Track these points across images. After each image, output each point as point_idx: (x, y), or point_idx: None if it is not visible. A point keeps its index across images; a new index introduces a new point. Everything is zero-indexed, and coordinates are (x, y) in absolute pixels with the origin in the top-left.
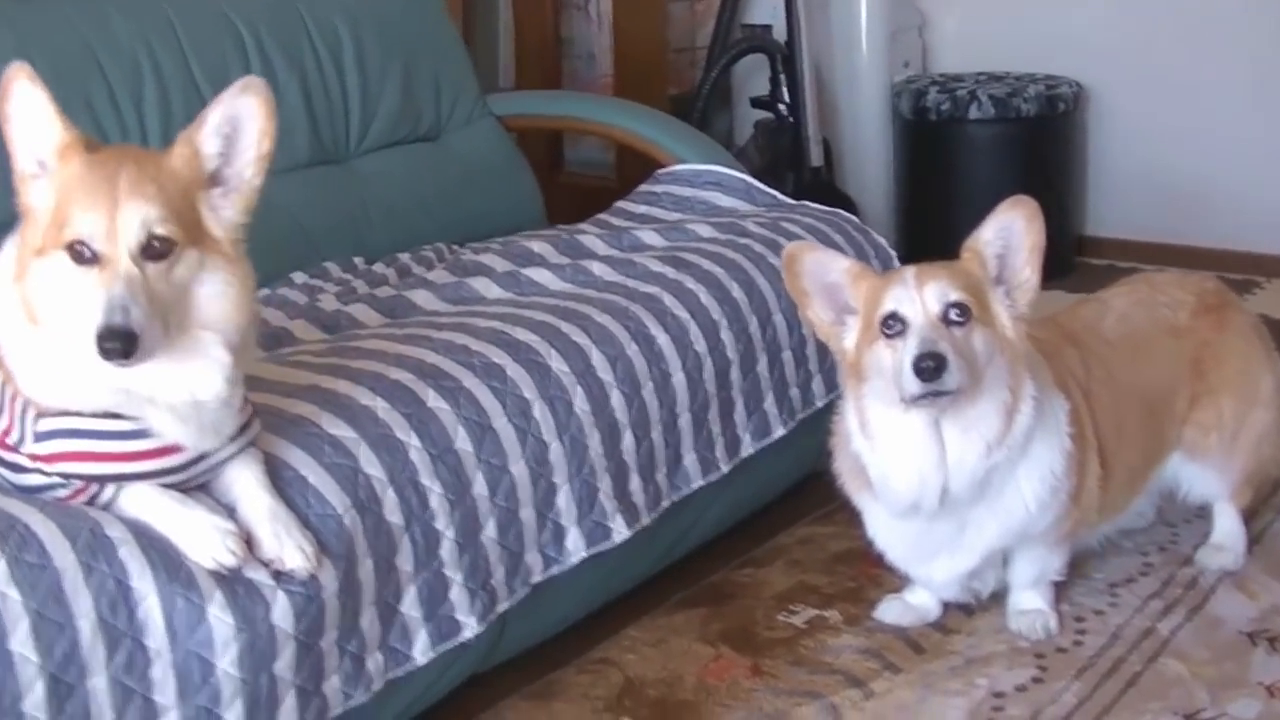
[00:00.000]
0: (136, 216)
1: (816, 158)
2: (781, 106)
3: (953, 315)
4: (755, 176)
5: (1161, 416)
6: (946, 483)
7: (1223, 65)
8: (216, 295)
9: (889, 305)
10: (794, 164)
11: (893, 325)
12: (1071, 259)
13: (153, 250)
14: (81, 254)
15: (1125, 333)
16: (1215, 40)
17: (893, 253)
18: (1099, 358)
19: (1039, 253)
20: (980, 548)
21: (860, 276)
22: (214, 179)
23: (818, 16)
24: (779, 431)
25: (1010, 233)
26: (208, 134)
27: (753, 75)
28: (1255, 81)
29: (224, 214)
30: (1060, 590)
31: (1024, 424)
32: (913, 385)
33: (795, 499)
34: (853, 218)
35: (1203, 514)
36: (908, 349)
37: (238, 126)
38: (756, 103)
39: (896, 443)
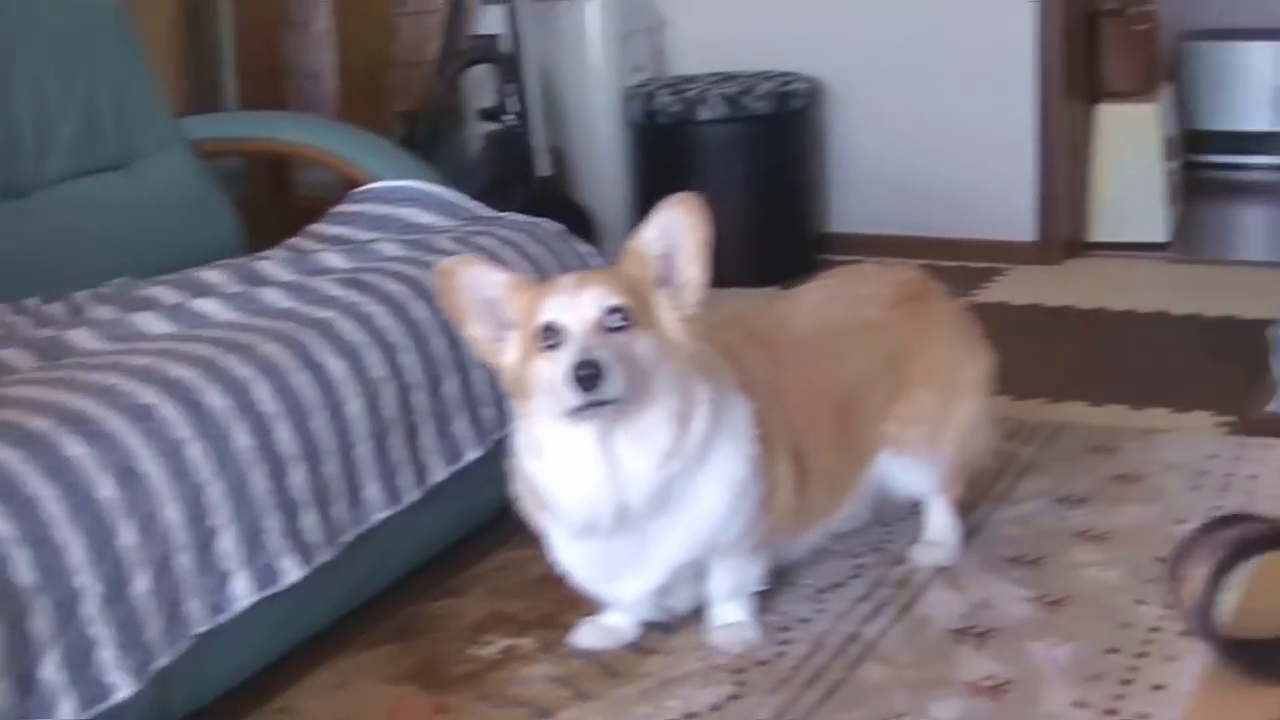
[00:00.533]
0: None
1: (546, 167)
2: (509, 117)
3: (612, 321)
4: (485, 189)
5: (860, 414)
6: (622, 497)
7: (957, 56)
8: None
9: (545, 315)
10: (524, 175)
11: (550, 336)
12: (814, 256)
13: None
14: None
15: (818, 329)
16: (948, 32)
17: (595, 262)
18: (789, 356)
19: (704, 251)
20: (666, 563)
21: (518, 289)
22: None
23: (546, 23)
24: (472, 454)
25: (673, 231)
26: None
27: (485, 87)
28: (990, 71)
29: None
30: (765, 599)
31: (700, 430)
32: (572, 396)
33: (500, 522)
34: (556, 226)
35: (916, 511)
36: (565, 359)
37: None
38: (485, 114)
39: (566, 459)
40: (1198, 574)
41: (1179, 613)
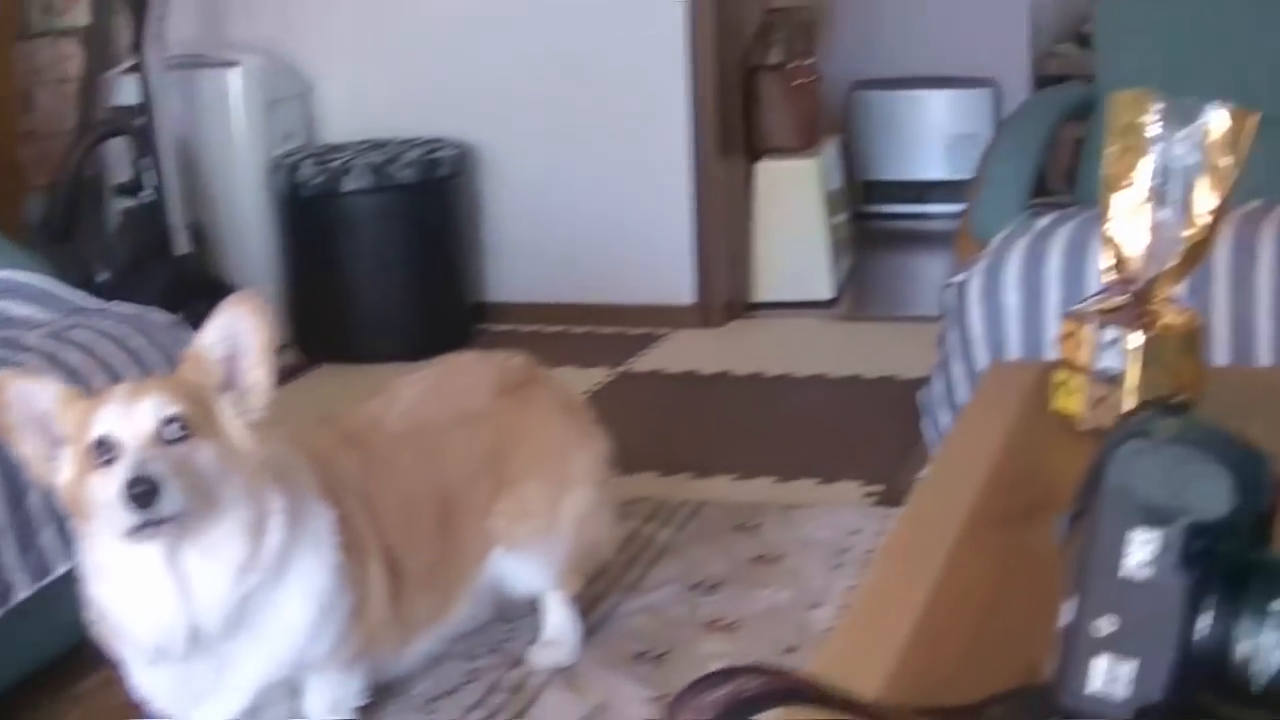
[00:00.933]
0: None
1: (184, 245)
2: (146, 192)
3: (170, 432)
4: (124, 268)
5: (464, 512)
6: (195, 619)
7: (610, 119)
8: None
9: (98, 429)
10: (163, 252)
11: (104, 451)
12: (470, 327)
13: None
14: None
15: (414, 425)
16: (600, 94)
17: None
18: (382, 457)
19: (270, 352)
20: (249, 686)
21: (71, 402)
22: None
23: (188, 92)
24: (61, 568)
25: (236, 333)
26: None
27: (123, 161)
28: (644, 132)
29: None
30: (368, 713)
31: (275, 541)
32: (128, 516)
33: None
34: (166, 316)
35: (537, 608)
36: (118, 475)
37: None
38: (121, 189)
39: (132, 581)
40: None
41: None
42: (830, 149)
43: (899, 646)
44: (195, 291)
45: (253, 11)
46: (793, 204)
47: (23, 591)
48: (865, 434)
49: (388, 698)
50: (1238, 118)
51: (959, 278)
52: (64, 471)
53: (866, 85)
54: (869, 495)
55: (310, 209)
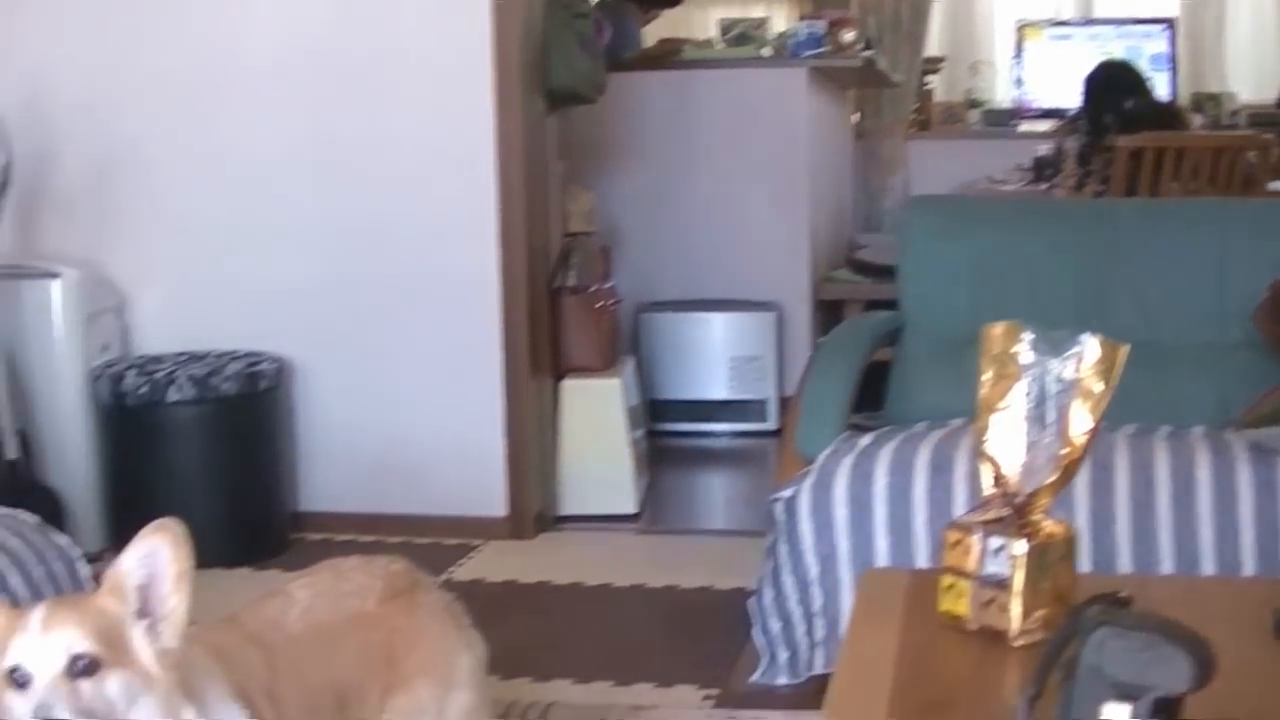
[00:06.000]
0: None
1: (12, 450)
2: None
3: (79, 667)
4: None
5: (359, 710)
6: None
7: (419, 335)
8: None
9: (12, 657)
10: None
11: (18, 678)
12: (286, 536)
13: None
14: None
15: (312, 626)
16: (413, 312)
17: (75, 553)
18: (286, 657)
19: (187, 579)
20: None
21: None
22: None
23: (9, 302)
24: None
25: (154, 560)
26: None
27: None
28: (456, 350)
29: None
30: None
31: None
32: None
33: None
34: (32, 518)
35: None
36: (23, 715)
37: None
38: None
39: None
40: None
41: None
42: (629, 368)
43: None
44: (22, 494)
45: (68, 225)
46: (597, 420)
47: None
48: (692, 640)
49: None
50: (1108, 348)
51: (786, 493)
52: None
53: (653, 307)
54: (707, 698)
55: (133, 418)
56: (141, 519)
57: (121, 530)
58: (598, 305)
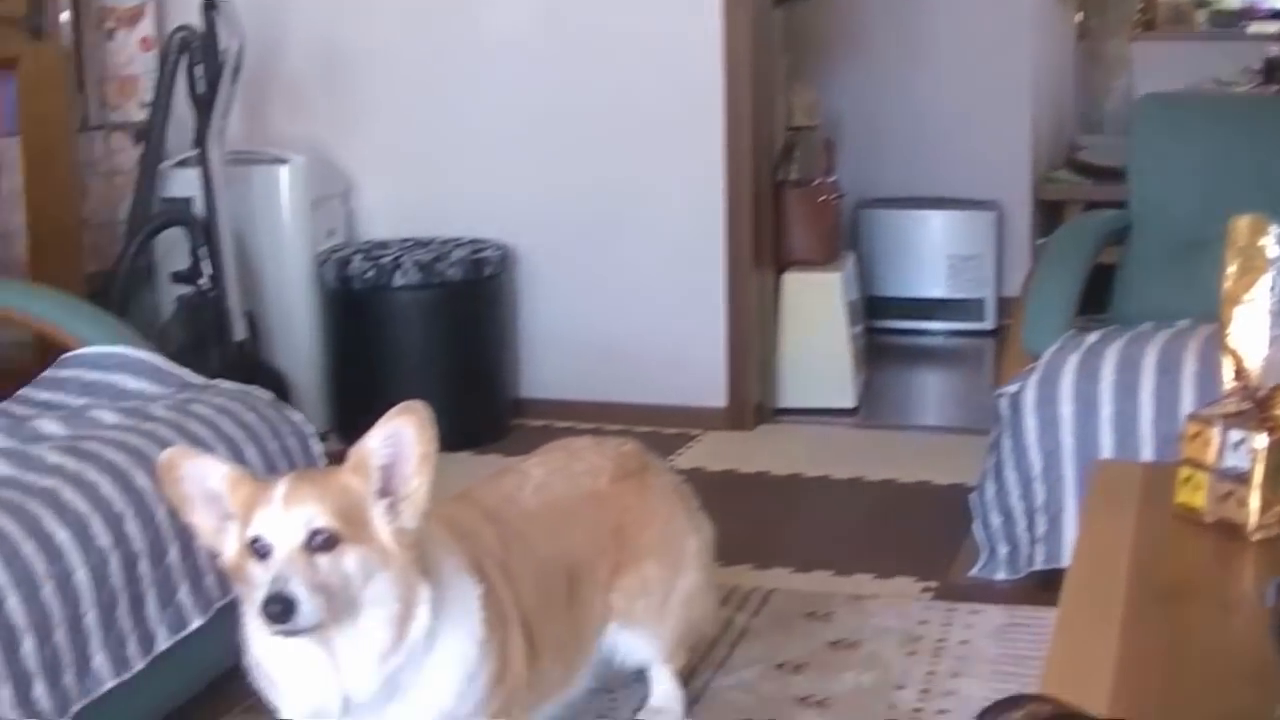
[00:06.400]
0: None
1: (240, 331)
2: (203, 280)
3: (318, 541)
4: (180, 353)
5: (588, 587)
6: (345, 691)
7: (645, 224)
8: None
9: (254, 528)
10: (218, 339)
11: (259, 547)
12: (507, 422)
13: None
14: None
15: (545, 503)
16: (639, 201)
17: (309, 429)
18: (518, 532)
19: (430, 462)
20: None
21: (238, 484)
22: None
23: (239, 187)
24: (196, 622)
25: (399, 441)
26: None
27: (176, 250)
28: (680, 240)
29: None
30: None
31: (421, 628)
32: (265, 623)
33: (223, 689)
34: (267, 394)
35: (641, 678)
36: (263, 584)
37: None
38: (177, 277)
39: (288, 654)
40: None
41: None
42: (850, 263)
43: (1105, 700)
44: (249, 376)
45: (296, 111)
46: (817, 314)
47: (162, 643)
48: (910, 533)
49: None
50: None
51: (1011, 388)
52: (229, 546)
53: (873, 204)
54: (926, 590)
55: (358, 302)
56: (364, 402)
57: (344, 413)
58: (820, 199)
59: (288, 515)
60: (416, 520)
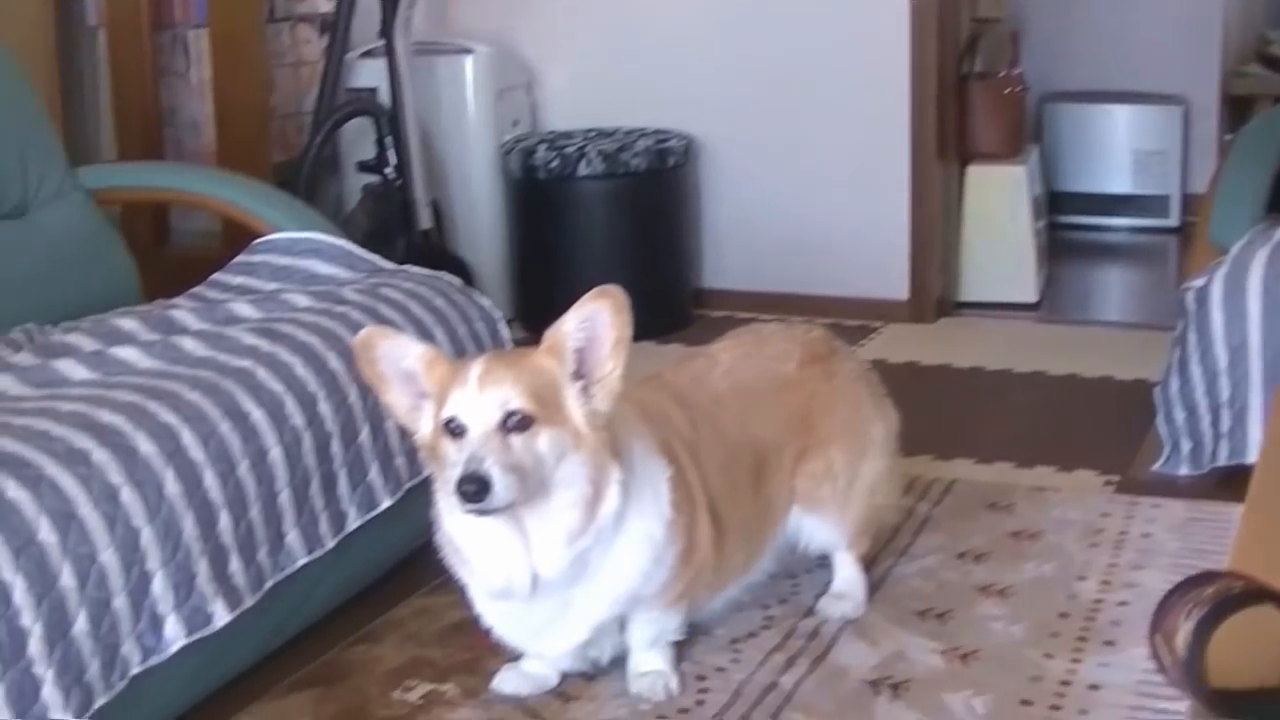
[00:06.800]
0: None
1: (426, 220)
2: (388, 170)
3: (513, 422)
4: (364, 241)
5: (774, 471)
6: (535, 570)
7: (829, 116)
8: None
9: (450, 408)
10: (403, 227)
11: (454, 427)
12: (689, 312)
13: None
14: None
15: (733, 387)
16: (823, 91)
17: (497, 314)
18: (707, 415)
19: (624, 346)
20: (587, 622)
21: (434, 364)
22: None
23: (424, 78)
24: (386, 503)
25: (595, 325)
26: None
27: (360, 139)
28: (864, 131)
29: None
30: (681, 649)
31: (610, 509)
32: (460, 502)
33: (409, 569)
34: (455, 280)
35: (823, 563)
36: (459, 463)
37: None
38: (363, 166)
39: (479, 533)
40: (1183, 629)
41: (1164, 668)
42: (1034, 157)
43: None
44: (434, 264)
45: (481, 2)
46: (1000, 208)
47: (353, 522)
48: (1092, 427)
49: (695, 637)
50: None
51: (1198, 282)
52: (424, 425)
53: (1057, 97)
54: (1108, 484)
55: (542, 192)
56: (546, 292)
57: (526, 302)
58: (1005, 92)
59: (483, 396)
60: (609, 403)
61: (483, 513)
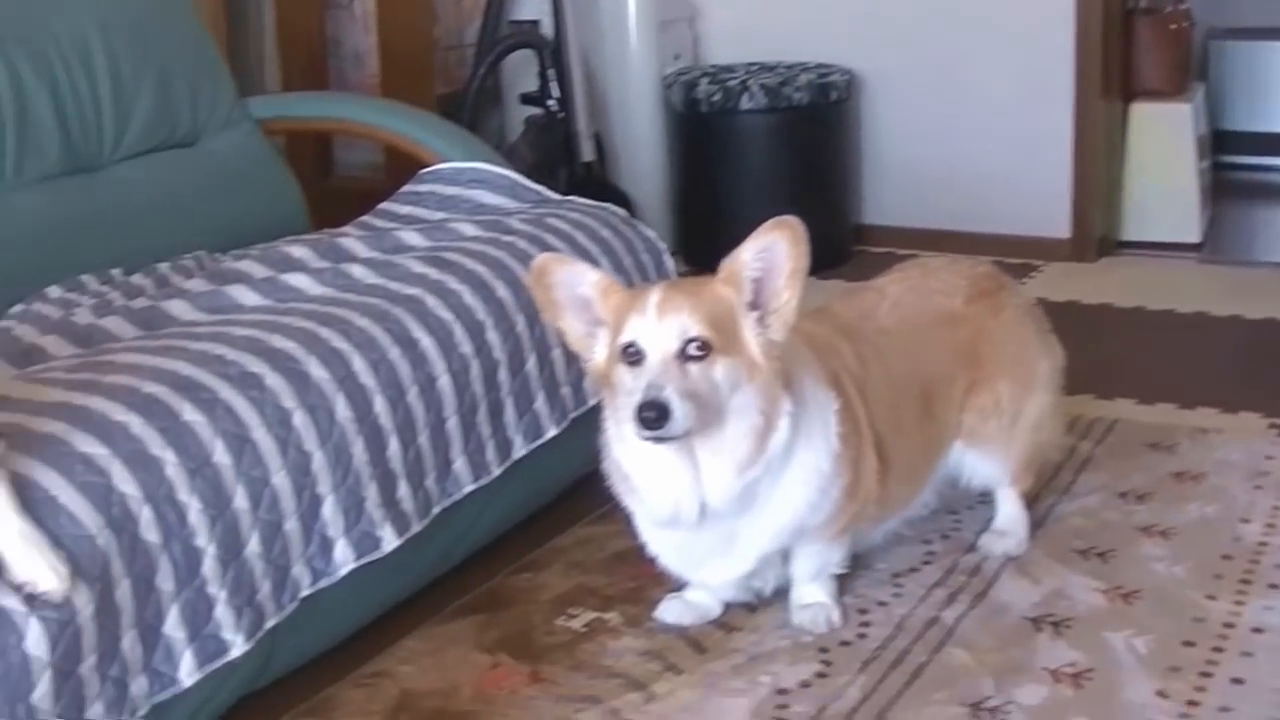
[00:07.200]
0: None
1: (588, 153)
2: (551, 102)
3: (691, 350)
4: (526, 173)
5: (939, 405)
6: (704, 499)
7: (992, 52)
8: None
9: (628, 334)
10: (566, 159)
11: (631, 354)
12: (849, 247)
13: None
14: None
15: (900, 321)
16: (987, 28)
17: (662, 246)
18: (874, 349)
19: (800, 277)
20: (753, 553)
21: (609, 291)
22: None
23: (586, 10)
24: (551, 431)
25: (772, 255)
26: None
27: (522, 71)
28: (1027, 68)
29: None
30: (843, 582)
31: (780, 441)
32: (638, 429)
33: (573, 499)
34: (621, 211)
35: (985, 500)
36: (637, 390)
37: None
38: (526, 99)
39: (650, 461)
40: None
41: None
42: (1199, 94)
43: None
44: (596, 196)
45: None
46: (1165, 146)
47: (519, 450)
48: (1257, 369)
49: (857, 570)
50: None
51: None
52: (598, 351)
53: (1225, 34)
54: (1272, 427)
55: (705, 125)
56: (706, 225)
57: (687, 235)
58: (1171, 27)
59: (662, 323)
60: (783, 334)
61: (660, 440)
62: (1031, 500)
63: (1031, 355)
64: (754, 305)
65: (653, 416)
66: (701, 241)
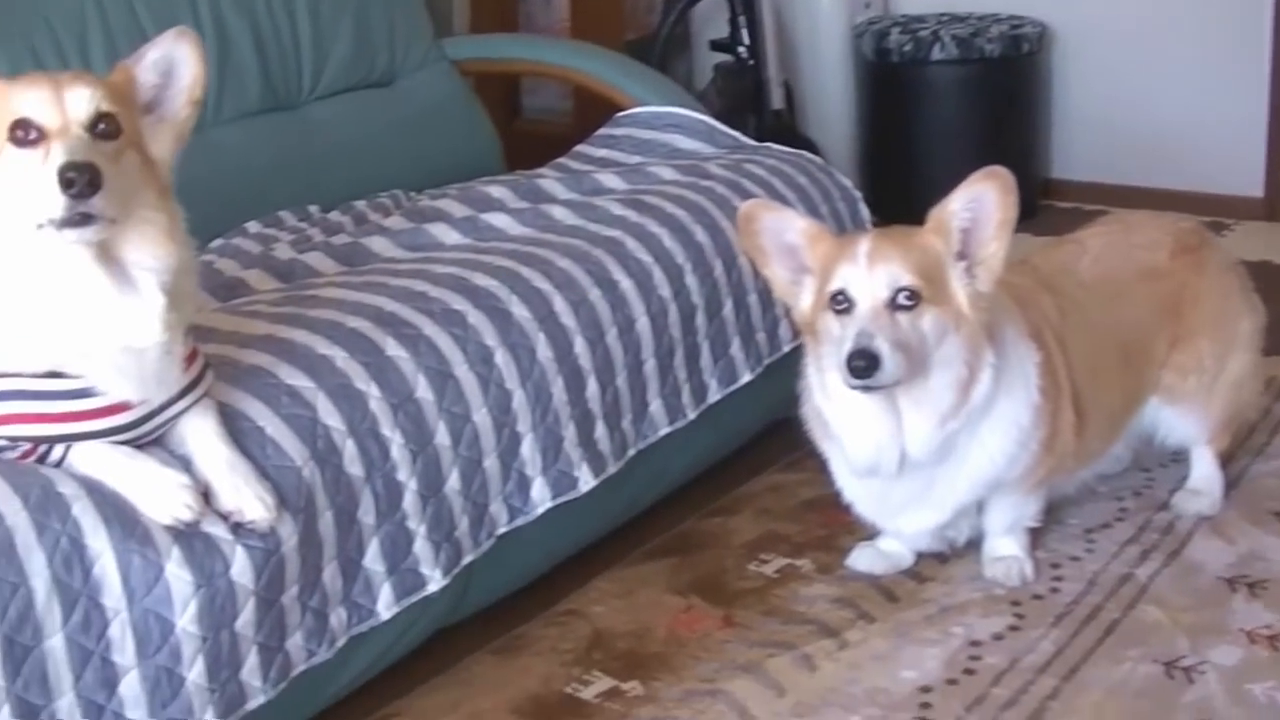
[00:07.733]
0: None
1: (778, 100)
2: (741, 49)
3: (901, 299)
4: (715, 119)
5: (1139, 360)
6: (904, 449)
7: (1184, 5)
8: (146, 231)
9: (837, 282)
10: (755, 107)
11: (840, 302)
12: (1037, 202)
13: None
14: None
15: (1101, 275)
16: None
17: (857, 194)
18: (1075, 302)
19: (1009, 228)
20: (949, 504)
21: (817, 239)
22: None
23: None
24: (746, 377)
25: (980, 205)
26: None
27: (712, 18)
28: (1222, 21)
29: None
30: (1035, 536)
31: (982, 393)
32: (847, 378)
33: (764, 445)
34: (816, 159)
35: (1179, 458)
36: (846, 338)
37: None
38: (716, 45)
39: (852, 409)
40: None
41: None
42: None
43: None
44: (786, 144)
45: None
46: None
47: (714, 395)
48: None
49: (1049, 525)
50: None
51: None
52: (804, 298)
53: None
54: None
55: (895, 75)
56: (895, 175)
57: (875, 185)
58: None
59: (872, 272)
60: (990, 285)
61: (869, 389)
62: (1226, 460)
63: (1234, 313)
64: (961, 255)
65: (862, 365)
66: (889, 192)
